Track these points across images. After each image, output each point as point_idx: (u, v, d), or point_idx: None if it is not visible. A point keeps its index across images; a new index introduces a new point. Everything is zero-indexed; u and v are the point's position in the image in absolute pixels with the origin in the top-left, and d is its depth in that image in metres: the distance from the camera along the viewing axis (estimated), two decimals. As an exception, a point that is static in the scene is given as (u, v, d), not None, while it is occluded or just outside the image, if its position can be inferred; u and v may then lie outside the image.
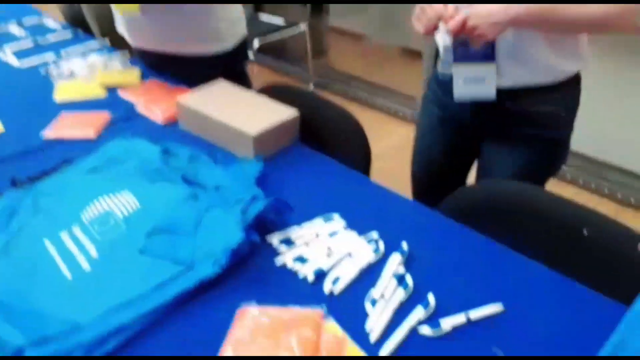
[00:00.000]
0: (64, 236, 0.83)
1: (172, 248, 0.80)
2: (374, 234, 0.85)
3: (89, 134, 1.14)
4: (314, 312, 0.70)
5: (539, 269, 0.79)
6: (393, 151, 2.29)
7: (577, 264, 0.79)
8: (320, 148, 1.10)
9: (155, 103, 1.26)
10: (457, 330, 0.70)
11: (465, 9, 0.92)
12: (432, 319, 0.71)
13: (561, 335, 0.69)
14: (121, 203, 0.89)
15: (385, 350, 0.66)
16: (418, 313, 0.71)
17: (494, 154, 1.14)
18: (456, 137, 1.19)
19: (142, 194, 0.91)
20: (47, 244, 0.82)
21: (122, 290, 0.74)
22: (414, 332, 0.70)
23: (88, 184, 0.94)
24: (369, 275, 0.78)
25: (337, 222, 0.88)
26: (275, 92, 1.22)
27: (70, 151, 1.07)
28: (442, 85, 1.13)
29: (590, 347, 0.66)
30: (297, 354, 0.64)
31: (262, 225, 0.85)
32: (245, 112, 1.09)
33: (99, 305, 0.72)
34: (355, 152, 1.13)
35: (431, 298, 0.73)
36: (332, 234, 0.85)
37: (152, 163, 0.97)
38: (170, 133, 1.16)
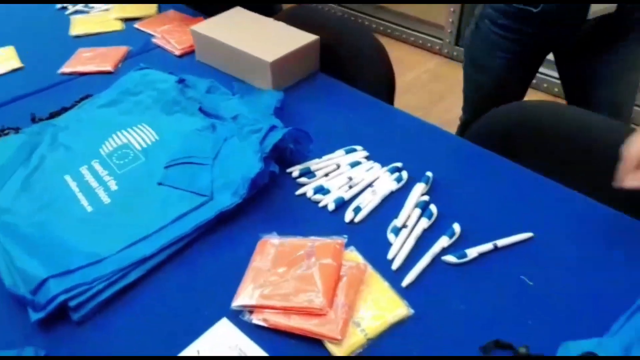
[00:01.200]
0: (84, 171, 0.83)
1: (191, 179, 0.79)
2: (398, 164, 0.82)
3: (107, 68, 1.12)
4: (335, 241, 0.68)
5: (571, 194, 0.75)
6: (420, 84, 2.21)
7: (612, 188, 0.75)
8: (343, 76, 1.05)
9: (171, 34, 1.22)
10: (483, 258, 0.67)
11: None
12: (457, 249, 0.69)
13: (594, 261, 0.66)
14: (139, 135, 0.88)
15: (407, 279, 0.65)
16: (442, 242, 0.69)
17: (607, 67, 1.05)
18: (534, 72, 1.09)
19: (159, 126, 0.89)
20: (68, 179, 0.81)
21: (142, 222, 0.74)
22: (437, 261, 0.68)
23: (106, 118, 0.93)
24: (392, 204, 0.76)
25: (360, 153, 0.85)
26: (296, 16, 1.15)
27: (88, 86, 1.05)
28: (520, 18, 1.01)
29: (622, 274, 0.63)
30: (318, 281, 0.63)
31: (282, 156, 0.83)
32: (262, 39, 1.04)
33: (119, 237, 0.71)
34: (379, 80, 1.07)
35: (456, 227, 0.71)
36: (353, 165, 0.82)
37: (168, 94, 0.94)
38: (187, 65, 1.13)
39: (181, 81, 0.97)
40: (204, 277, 0.69)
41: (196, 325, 0.62)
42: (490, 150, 0.84)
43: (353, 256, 0.68)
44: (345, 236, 0.69)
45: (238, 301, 0.63)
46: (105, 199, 0.78)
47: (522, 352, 0.52)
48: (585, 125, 0.84)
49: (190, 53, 1.16)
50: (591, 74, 1.08)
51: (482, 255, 0.67)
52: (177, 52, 1.17)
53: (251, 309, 0.62)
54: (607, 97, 1.08)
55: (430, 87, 2.17)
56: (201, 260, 0.71)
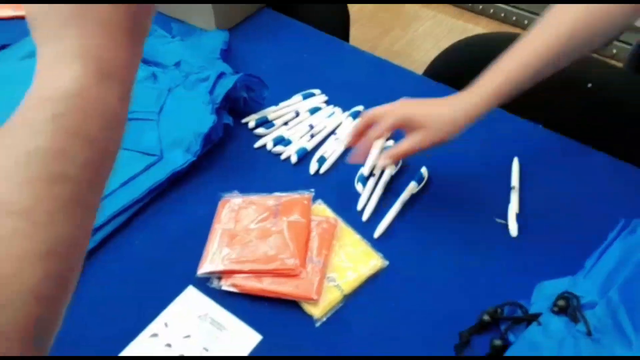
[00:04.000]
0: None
1: (136, 137, 0.71)
2: (360, 108, 0.77)
3: (23, 12, 0.98)
4: (302, 196, 0.65)
5: (536, 129, 0.74)
6: (369, 14, 2.12)
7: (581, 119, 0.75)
8: (292, 12, 0.97)
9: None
10: (455, 204, 0.66)
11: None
12: (427, 194, 0.67)
13: (566, 197, 0.66)
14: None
15: (379, 230, 0.63)
16: (411, 188, 0.67)
17: None
18: None
19: (93, 79, 0.80)
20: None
21: (86, 189, 0.67)
22: (408, 208, 0.66)
23: (28, 72, 0.82)
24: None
25: (318, 97, 0.80)
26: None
27: (4, 34, 0.92)
28: None
29: (594, 210, 0.64)
30: (288, 241, 0.60)
31: (234, 106, 0.76)
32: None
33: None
34: (332, 14, 1.00)
35: (424, 171, 0.69)
36: (313, 111, 0.77)
37: (99, 42, 0.84)
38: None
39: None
40: (163, 244, 0.64)
41: (161, 297, 0.58)
42: (455, 89, 0.81)
43: (321, 210, 0.65)
44: (312, 190, 0.66)
45: (204, 268, 0.59)
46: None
47: (497, 344, 0.51)
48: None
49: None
50: None
51: (454, 201, 0.66)
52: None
53: (219, 275, 0.59)
54: None
55: (379, 17, 2.10)
56: (157, 226, 0.65)
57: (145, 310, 0.57)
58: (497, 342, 0.52)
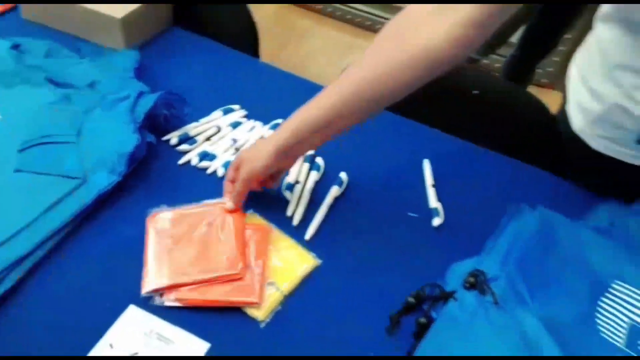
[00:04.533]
0: None
1: (55, 160, 0.70)
2: (279, 121, 0.82)
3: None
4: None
5: (437, 134, 0.84)
6: (263, 29, 2.18)
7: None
8: (201, 30, 1.00)
9: (-21, -13, 1.01)
10: (370, 201, 0.73)
11: None
12: (348, 197, 0.73)
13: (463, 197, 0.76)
14: (-27, 117, 0.74)
15: (309, 232, 0.68)
16: (333, 192, 0.73)
17: None
18: None
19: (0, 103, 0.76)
20: None
21: (8, 220, 0.64)
22: (333, 210, 0.71)
23: None
24: (280, 162, 0.77)
25: (238, 112, 0.83)
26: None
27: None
28: None
29: (486, 203, 0.74)
30: (228, 244, 0.62)
31: (155, 124, 0.77)
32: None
33: (-19, 239, 0.62)
34: (242, 32, 1.04)
35: (343, 175, 0.75)
36: (234, 126, 0.81)
37: (4, 64, 0.80)
38: (10, 25, 0.96)
39: (16, 47, 0.83)
40: (96, 266, 0.63)
41: (101, 321, 0.58)
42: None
43: (254, 219, 0.68)
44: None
45: (147, 287, 0.60)
46: (-50, 198, 0.66)
47: (422, 322, 0.59)
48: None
49: (12, 9, 0.98)
50: None
51: (372, 201, 0.73)
52: (-6, 9, 0.98)
53: (162, 291, 0.60)
54: None
55: (274, 32, 2.17)
56: (88, 249, 0.65)
57: (86, 334, 0.57)
58: (422, 320, 0.59)
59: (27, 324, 0.57)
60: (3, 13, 0.98)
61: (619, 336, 0.57)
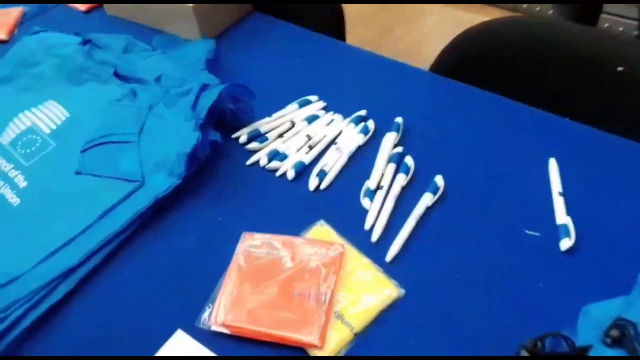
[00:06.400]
0: (-19, 168, 0.67)
1: (114, 162, 0.65)
2: (362, 112, 0.69)
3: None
4: (330, 244, 0.54)
5: (560, 122, 0.66)
6: (368, 15, 2.05)
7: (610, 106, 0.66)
8: (282, 14, 0.90)
9: (73, -14, 1.02)
10: (473, 215, 0.57)
11: None
12: (443, 207, 0.58)
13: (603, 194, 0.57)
14: (46, 115, 0.72)
15: (392, 252, 0.54)
16: (425, 200, 0.58)
17: None
18: None
19: (68, 101, 0.73)
20: (-39, 180, 0.66)
21: (62, 224, 0.60)
22: (423, 224, 0.57)
23: (1, 99, 0.76)
24: (361, 162, 0.64)
25: (316, 104, 0.72)
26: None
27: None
28: None
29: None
30: (314, 309, 0.51)
31: (222, 120, 0.69)
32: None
33: (35, 247, 0.58)
34: (325, 14, 0.92)
35: (439, 180, 0.60)
36: (310, 120, 0.69)
37: (73, 60, 0.77)
38: (96, 22, 0.95)
39: (86, 42, 0.80)
40: (147, 280, 0.56)
41: (146, 343, 0.51)
42: (464, 82, 0.72)
43: (325, 233, 0.57)
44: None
45: (217, 319, 0.50)
46: (14, 199, 0.64)
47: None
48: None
49: (98, 7, 0.98)
50: None
51: (476, 213, 0.57)
52: (82, 8, 0.98)
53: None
54: None
55: (379, 17, 2.03)
56: (141, 261, 0.58)
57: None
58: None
59: (70, 340, 0.51)
60: (90, 10, 0.97)
61: None
